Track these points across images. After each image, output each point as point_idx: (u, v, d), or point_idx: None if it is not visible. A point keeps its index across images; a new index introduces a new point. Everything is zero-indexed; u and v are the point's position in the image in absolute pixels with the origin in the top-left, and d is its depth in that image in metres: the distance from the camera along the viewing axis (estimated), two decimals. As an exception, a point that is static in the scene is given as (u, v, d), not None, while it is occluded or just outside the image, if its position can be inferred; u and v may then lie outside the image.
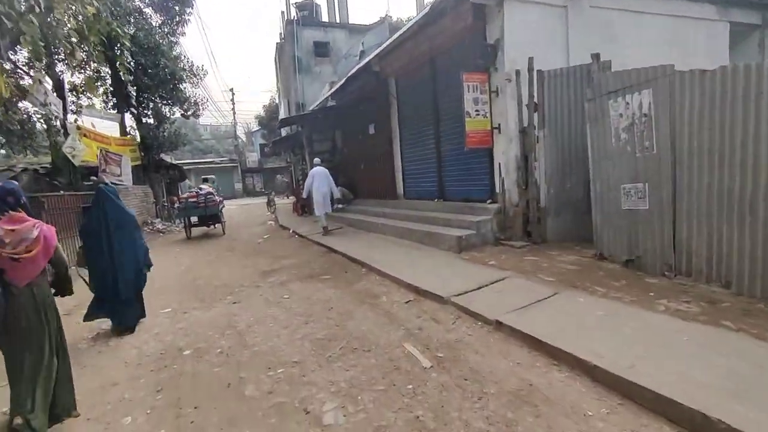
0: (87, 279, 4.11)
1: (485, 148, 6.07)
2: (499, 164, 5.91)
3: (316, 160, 10.38)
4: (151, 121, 17.52)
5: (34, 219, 2.55)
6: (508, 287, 4.07)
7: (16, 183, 2.72)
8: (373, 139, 10.18)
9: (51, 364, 2.56)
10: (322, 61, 13.69)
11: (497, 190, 6.17)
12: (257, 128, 37.94)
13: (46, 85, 8.31)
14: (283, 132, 16.55)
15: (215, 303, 5.16)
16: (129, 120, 17.08)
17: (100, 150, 12.37)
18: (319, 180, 9.09)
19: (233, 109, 35.35)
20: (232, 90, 34.72)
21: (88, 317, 4.17)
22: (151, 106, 17.14)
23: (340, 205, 11.38)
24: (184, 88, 18.55)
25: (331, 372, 3.03)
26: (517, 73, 5.61)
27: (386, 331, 3.68)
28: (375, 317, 4.06)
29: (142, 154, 16.79)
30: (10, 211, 2.46)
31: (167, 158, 20.71)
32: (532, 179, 5.55)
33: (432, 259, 5.63)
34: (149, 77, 15.45)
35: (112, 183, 12.64)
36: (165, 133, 17.73)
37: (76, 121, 11.33)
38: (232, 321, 4.39)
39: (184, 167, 31.91)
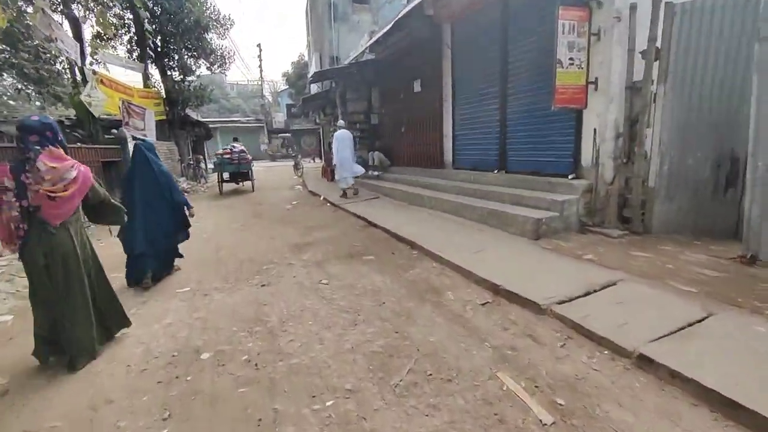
0: (110, 230, 4.08)
1: (574, 108, 4.81)
2: (594, 130, 4.67)
3: (340, 122, 10.14)
4: (176, 74, 16.62)
5: (72, 159, 2.51)
6: (630, 296, 3.00)
7: (51, 118, 2.58)
8: (419, 99, 8.92)
9: (86, 298, 2.69)
10: (361, 8, 12.21)
11: (584, 163, 4.97)
12: (284, 87, 36.58)
13: (52, 17, 7.37)
14: (314, 89, 15.34)
15: (240, 284, 4.32)
16: (153, 72, 16.23)
17: (122, 101, 11.59)
18: (342, 143, 8.98)
19: (260, 66, 34.07)
20: (259, 45, 33.24)
21: (130, 283, 4.27)
22: (176, 58, 16.16)
23: (375, 173, 10.33)
24: (210, 38, 17.46)
25: (404, 416, 2.11)
26: (632, 7, 4.26)
27: (466, 347, 2.72)
28: (445, 324, 3.10)
29: (167, 108, 16.03)
30: (50, 147, 2.40)
31: (193, 115, 19.96)
32: (641, 150, 4.31)
33: (503, 245, 4.58)
34: (173, 24, 14.39)
35: (135, 138, 11.96)
36: (191, 87, 16.83)
37: (92, 65, 10.42)
38: (261, 312, 3.54)
39: (210, 126, 31.36)
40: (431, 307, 3.43)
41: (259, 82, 35.52)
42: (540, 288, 3.23)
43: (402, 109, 9.81)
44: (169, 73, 16.19)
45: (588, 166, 4.86)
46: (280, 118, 36.80)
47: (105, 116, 11.98)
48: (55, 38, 7.26)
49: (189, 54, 16.71)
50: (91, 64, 10.66)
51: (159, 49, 15.88)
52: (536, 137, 5.75)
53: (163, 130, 16.08)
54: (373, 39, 9.47)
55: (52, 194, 2.34)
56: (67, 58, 8.81)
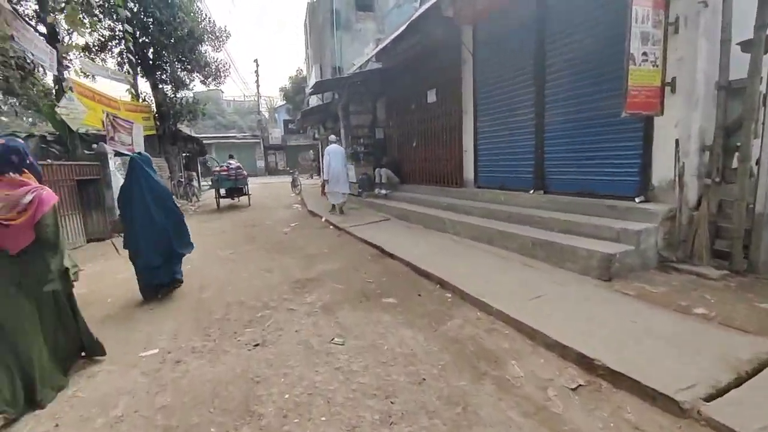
0: (117, 248, 4.35)
1: (645, 115, 3.89)
2: (676, 141, 3.74)
3: (332, 137, 9.95)
4: (169, 87, 15.80)
5: (36, 183, 2.40)
6: (809, 386, 1.99)
7: (22, 141, 2.48)
8: (433, 110, 8.05)
9: (36, 341, 2.43)
10: (365, 16, 11.49)
11: (656, 183, 4.03)
12: (282, 103, 35.97)
13: (10, 11, 6.45)
14: (313, 102, 14.51)
15: (226, 342, 3.28)
16: (143, 85, 15.40)
17: (107, 114, 10.65)
18: (334, 158, 8.97)
19: (257, 81, 33.45)
20: (256, 61, 32.74)
21: (144, 296, 4.29)
22: (168, 71, 15.34)
23: (383, 191, 9.36)
24: (205, 51, 16.71)
25: None
26: (725, -11, 3.40)
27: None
28: (526, 424, 2.07)
29: (158, 123, 15.13)
30: (11, 174, 2.32)
31: (186, 130, 19.06)
32: (743, 167, 3.37)
33: (565, 288, 3.57)
34: (165, 35, 13.60)
35: (120, 153, 10.97)
36: (183, 101, 15.98)
37: (67, 74, 9.46)
38: (252, 396, 2.49)
39: (205, 141, 30.47)
40: (494, 389, 2.40)
41: (256, 98, 34.92)
42: (659, 367, 2.22)
43: (413, 121, 8.92)
44: (161, 86, 15.34)
45: (663, 186, 3.92)
46: (276, 134, 36.06)
47: (92, 131, 11.05)
48: (11, 35, 6.33)
49: (182, 67, 15.91)
50: (72, 73, 9.67)
51: (151, 62, 15.08)
52: (586, 151, 4.83)
53: (152, 145, 15.11)
54: (381, 45, 8.64)
55: (5, 222, 2.22)
56: (39, 65, 7.90)
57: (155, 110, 15.27)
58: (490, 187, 6.60)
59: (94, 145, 9.71)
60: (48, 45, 8.26)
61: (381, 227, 7.36)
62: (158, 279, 4.28)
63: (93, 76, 14.72)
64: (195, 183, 17.42)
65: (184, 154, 20.62)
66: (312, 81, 14.51)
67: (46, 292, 2.47)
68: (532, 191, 5.64)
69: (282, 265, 5.57)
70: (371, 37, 11.15)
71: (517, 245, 4.63)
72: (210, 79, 17.46)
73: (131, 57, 13.76)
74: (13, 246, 2.29)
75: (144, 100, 14.99)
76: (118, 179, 10.14)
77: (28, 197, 2.29)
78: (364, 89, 10.95)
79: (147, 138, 14.70)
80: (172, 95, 15.83)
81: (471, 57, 6.79)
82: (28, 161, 2.42)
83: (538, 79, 5.45)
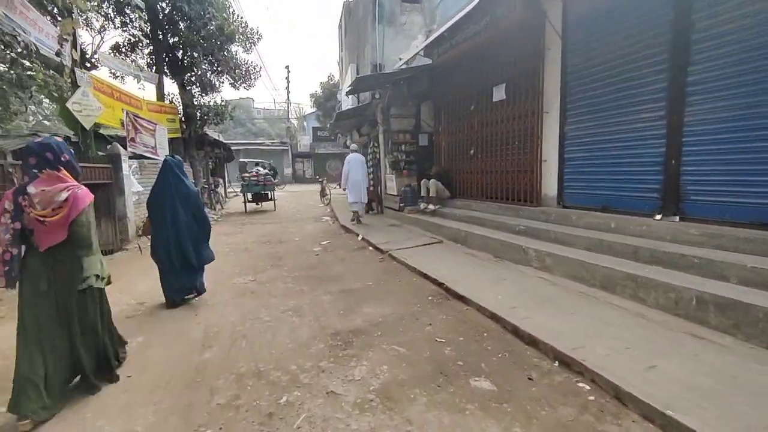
0: (141, 248, 4.43)
1: None
2: None
3: (353, 146, 10.08)
4: (197, 89, 15.05)
5: (73, 180, 2.39)
6: None
7: (58, 139, 2.45)
8: (501, 111, 6.61)
9: (62, 338, 2.41)
10: (411, 9, 10.23)
11: None
12: (312, 110, 35.36)
13: None
14: (345, 105, 13.34)
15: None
16: (170, 86, 14.72)
17: (127, 114, 9.78)
18: (354, 167, 8.99)
19: (287, 88, 32.96)
20: (287, 67, 32.26)
21: (169, 304, 4.18)
22: (197, 73, 14.57)
23: (430, 207, 7.94)
24: (235, 51, 15.95)
25: None
26: None
27: None
28: None
29: (184, 126, 14.35)
30: (48, 170, 2.31)
31: (213, 134, 18.35)
32: None
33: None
34: (194, 30, 12.82)
35: (141, 156, 10.06)
36: (211, 103, 15.19)
37: (86, 67, 8.54)
38: None
39: (234, 147, 30.05)
40: None
41: (286, 106, 34.41)
42: None
43: (471, 125, 7.49)
44: (188, 88, 14.58)
45: None
46: (305, 141, 35.40)
47: (108, 128, 10.22)
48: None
49: (211, 68, 15.15)
50: (86, 65, 8.80)
51: (180, 62, 14.37)
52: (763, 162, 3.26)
53: (177, 149, 14.34)
54: (434, 36, 7.32)
55: (42, 218, 2.24)
56: (34, 48, 6.96)
57: (181, 112, 14.53)
58: (584, 208, 5.06)
59: (109, 147, 8.79)
60: (51, 26, 7.37)
61: (434, 253, 5.93)
62: (181, 284, 4.19)
63: (123, 77, 14.18)
64: (220, 190, 16.54)
65: (210, 160, 19.97)
66: (347, 83, 13.36)
67: (73, 295, 2.41)
68: (658, 216, 4.09)
69: (315, 304, 4.23)
70: (417, 32, 9.87)
71: (667, 300, 3.10)
72: (240, 82, 16.66)
73: (157, 55, 13.05)
74: (44, 242, 2.31)
75: (171, 101, 14.28)
76: (132, 184, 9.18)
77: (64, 195, 2.29)
78: (408, 90, 9.63)
79: (171, 141, 13.94)
80: (199, 97, 15.06)
81: (559, 41, 5.33)
82: (63, 158, 2.40)
83: (675, 62, 3.94)
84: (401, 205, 8.81)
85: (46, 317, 2.35)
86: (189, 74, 14.45)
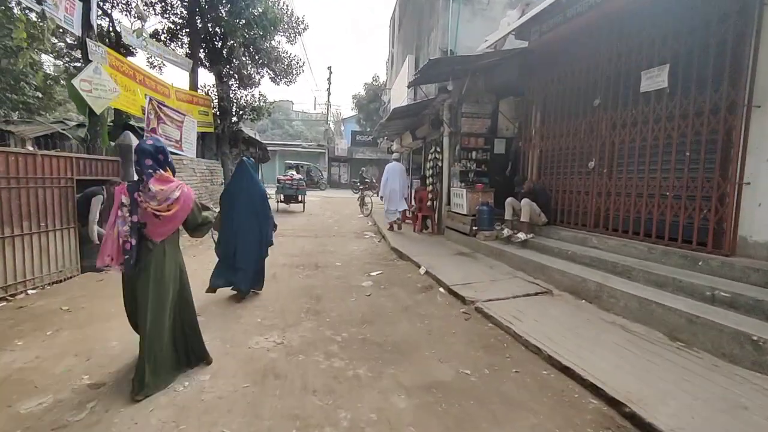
0: (215, 241, 4.38)
1: None
2: None
3: (395, 154, 10.38)
4: (235, 83, 13.72)
5: (176, 180, 2.61)
6: None
7: (161, 140, 2.83)
8: (653, 105, 4.47)
9: (168, 319, 2.69)
10: (496, -16, 8.27)
11: None
12: (352, 113, 33.97)
13: None
14: (395, 104, 11.52)
15: None
16: (206, 77, 13.46)
17: (150, 100, 8.36)
18: (393, 175, 9.03)
19: (329, 89, 31.77)
20: (330, 68, 31.06)
21: (210, 288, 4.29)
22: (235, 64, 13.21)
23: (519, 235, 5.87)
24: (278, 42, 14.59)
25: None
26: None
27: None
28: None
29: (218, 121, 13.01)
30: (161, 171, 2.53)
31: (249, 132, 17.06)
32: None
33: None
34: (234, 14, 11.43)
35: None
36: (248, 97, 13.84)
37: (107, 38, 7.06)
38: None
39: (270, 148, 29.03)
40: None
41: (325, 108, 33.16)
42: None
43: (591, 127, 5.36)
44: (225, 80, 13.23)
45: None
46: (343, 145, 34.01)
47: (137, 125, 8.91)
48: None
49: (251, 59, 13.79)
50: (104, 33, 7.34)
51: (218, 52, 13.09)
52: None
53: (208, 144, 13.02)
54: (541, 6, 5.33)
55: (158, 213, 2.45)
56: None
57: (216, 105, 13.21)
58: None
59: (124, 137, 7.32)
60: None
61: (553, 314, 3.89)
62: (234, 281, 4.31)
63: (160, 66, 13.07)
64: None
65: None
66: (401, 79, 11.53)
67: (175, 283, 2.72)
68: None
69: (384, 419, 2.31)
70: (500, 12, 7.91)
71: None
72: (281, 77, 15.27)
73: (193, 41, 11.76)
74: (158, 235, 2.56)
75: (207, 93, 12.99)
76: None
77: (177, 193, 2.52)
78: (485, 83, 7.67)
79: (203, 136, 12.61)
80: (237, 90, 13.73)
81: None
82: (169, 159, 2.65)
83: None
84: (474, 228, 6.80)
85: (158, 300, 2.59)
86: (227, 66, 13.11)
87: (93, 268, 5.69)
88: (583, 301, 4.17)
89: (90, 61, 6.60)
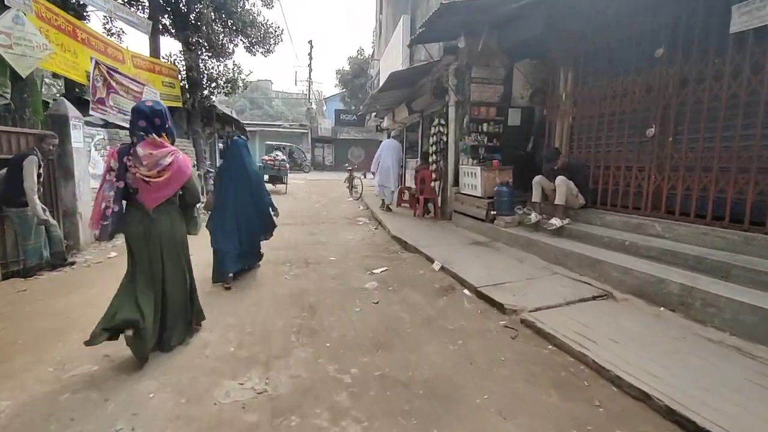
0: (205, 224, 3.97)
1: None
2: None
3: (393, 132, 11.47)
4: (206, 53, 12.11)
5: (172, 146, 2.48)
6: None
7: (164, 105, 2.57)
8: (758, 48, 3.41)
9: (185, 280, 2.71)
10: None
11: None
12: (333, 93, 32.24)
13: None
14: (384, 77, 10.29)
15: None
16: (171, 45, 11.81)
17: (97, 64, 6.91)
18: (387, 153, 8.77)
19: (310, 65, 29.92)
20: (310, 42, 29.15)
21: (215, 279, 4.10)
22: (204, 30, 11.58)
23: (554, 221, 4.85)
24: (253, 4, 12.97)
25: None
26: None
27: None
28: None
29: (188, 95, 11.49)
30: (153, 135, 2.40)
31: (224, 108, 15.47)
32: None
33: None
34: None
35: (115, 125, 7.31)
36: (220, 67, 12.29)
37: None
38: None
39: (249, 129, 27.26)
40: None
41: (307, 85, 31.29)
42: None
43: (650, 84, 4.28)
44: (194, 48, 11.63)
45: None
46: (326, 125, 32.37)
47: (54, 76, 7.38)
48: None
49: (222, 25, 12.19)
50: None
51: (183, 14, 11.46)
52: None
53: (177, 122, 11.50)
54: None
55: (147, 179, 2.33)
56: None
57: (184, 76, 11.66)
58: None
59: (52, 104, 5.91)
60: None
61: (632, 330, 2.92)
62: (228, 266, 4.04)
63: (119, 33, 11.36)
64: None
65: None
66: (396, 46, 10.23)
67: (175, 249, 2.61)
68: None
69: None
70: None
71: None
72: (257, 46, 13.71)
73: (155, 4, 10.14)
74: (151, 202, 2.41)
75: (174, 63, 11.41)
76: (95, 161, 6.34)
77: (168, 159, 2.37)
78: (498, 42, 6.51)
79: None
80: (208, 59, 12.16)
81: None
82: (167, 125, 2.49)
83: None
84: (493, 213, 5.76)
85: (150, 266, 2.53)
86: (196, 33, 11.49)
87: (22, 270, 4.45)
88: (663, 309, 3.20)
89: (7, 8, 5.14)
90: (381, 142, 18.32)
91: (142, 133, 2.38)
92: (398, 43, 9.58)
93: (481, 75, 6.84)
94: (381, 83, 12.75)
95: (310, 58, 29.67)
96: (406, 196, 9.88)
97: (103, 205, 2.35)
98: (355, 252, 5.80)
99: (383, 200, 9.04)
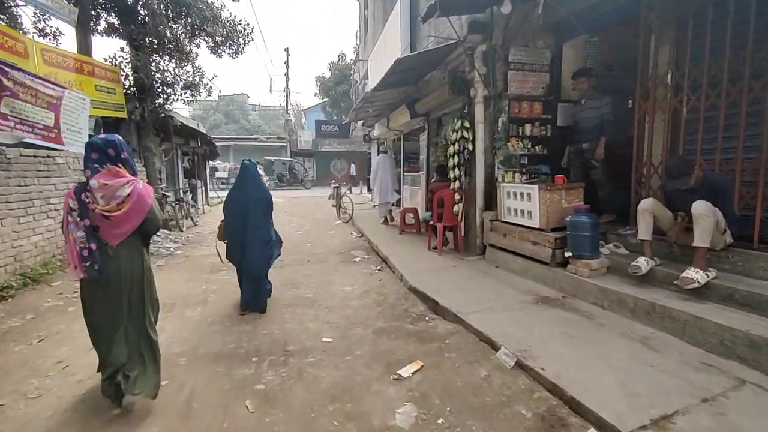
0: (221, 255, 4.09)
1: None
2: None
3: (383, 147, 10.96)
4: (163, 56, 10.01)
5: (131, 176, 2.35)
6: None
7: (118, 136, 2.41)
8: None
9: (127, 332, 2.39)
10: None
11: None
12: (316, 99, 30.32)
13: None
14: (371, 84, 8.43)
15: None
16: (111, 45, 9.69)
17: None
18: (383, 168, 9.01)
19: (287, 74, 27.97)
20: (286, 50, 27.27)
21: (247, 306, 4.03)
22: (161, 31, 9.50)
23: (692, 276, 2.94)
24: (215, -4, 10.96)
25: None
26: None
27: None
28: None
29: (137, 104, 9.33)
30: (109, 165, 2.27)
31: (190, 122, 13.25)
32: None
33: None
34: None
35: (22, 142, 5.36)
36: (175, 70, 10.17)
37: None
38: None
39: (221, 143, 25.00)
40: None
41: (285, 96, 29.24)
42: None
43: None
44: (143, 47, 9.51)
45: None
46: (306, 137, 30.33)
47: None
48: None
49: (174, 19, 10.16)
50: None
51: (130, 9, 9.40)
52: None
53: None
54: None
55: (107, 213, 2.21)
56: None
57: (131, 80, 9.53)
58: None
59: None
60: None
61: None
62: (262, 290, 4.07)
63: (55, 34, 9.20)
64: (191, 198, 11.47)
65: (186, 156, 14.90)
66: (392, 39, 8.37)
67: (136, 284, 2.42)
68: None
69: None
70: None
71: None
72: (224, 47, 11.68)
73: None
74: (113, 238, 2.30)
75: (117, 65, 9.26)
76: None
77: (127, 189, 2.27)
78: (544, 15, 4.67)
79: (116, 123, 8.96)
80: (163, 61, 10.05)
81: None
82: (122, 156, 2.36)
83: None
84: (567, 254, 3.82)
85: (115, 308, 2.37)
86: (146, 36, 9.41)
87: None
88: None
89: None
90: (368, 152, 16.53)
91: (96, 166, 2.26)
92: (395, 31, 7.75)
93: (522, 59, 5.02)
94: (369, 85, 10.92)
95: (287, 67, 27.74)
96: (411, 219, 7.97)
97: (78, 247, 2.23)
98: (361, 322, 3.79)
99: (385, 217, 9.17)
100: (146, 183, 3.03)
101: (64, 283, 5.10)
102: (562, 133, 5.11)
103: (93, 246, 2.24)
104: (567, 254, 3.80)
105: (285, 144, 28.16)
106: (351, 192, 17.11)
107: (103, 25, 9.95)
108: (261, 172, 13.86)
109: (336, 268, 5.95)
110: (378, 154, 11.06)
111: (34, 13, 9.20)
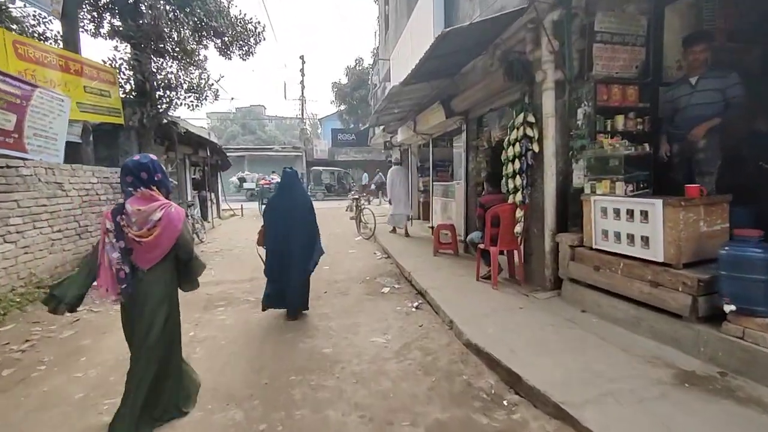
0: (263, 258, 4.06)
1: None
2: None
3: (395, 158, 11.42)
4: (168, 59, 9.10)
5: (164, 199, 2.30)
6: None
7: (152, 157, 2.34)
8: None
9: (151, 357, 2.28)
10: None
11: None
12: (332, 107, 29.44)
13: None
14: (390, 88, 7.24)
15: None
16: (118, 46, 8.81)
17: None
18: (399, 181, 9.16)
19: (302, 82, 27.19)
20: (302, 57, 26.53)
21: (263, 307, 4.05)
22: (159, 27, 8.56)
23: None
24: (224, -8, 10.04)
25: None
26: None
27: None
28: None
29: (136, 109, 8.38)
30: (142, 189, 2.23)
31: (200, 131, 12.33)
32: None
33: None
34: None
35: None
36: (179, 72, 9.22)
37: None
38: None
39: (236, 154, 24.26)
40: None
41: (299, 108, 28.42)
42: None
43: None
44: (144, 47, 8.58)
45: None
46: (323, 146, 29.43)
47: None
48: None
49: (174, 16, 9.24)
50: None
51: (131, 8, 8.52)
52: None
53: (123, 146, 8.39)
54: None
55: (138, 238, 2.17)
56: None
57: (131, 84, 8.62)
58: None
59: None
60: None
61: None
62: (272, 301, 4.03)
63: (56, 37, 8.40)
64: (196, 212, 10.43)
65: (197, 167, 14.01)
66: (425, 21, 7.18)
67: (160, 312, 2.31)
68: None
69: None
70: None
71: None
72: (234, 47, 10.77)
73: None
74: (145, 263, 2.26)
75: (116, 66, 8.36)
76: None
77: (158, 214, 2.21)
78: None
79: (114, 130, 8.03)
80: (165, 62, 9.12)
81: None
82: (156, 177, 2.31)
83: None
84: (728, 308, 2.47)
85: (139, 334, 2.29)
86: (152, 39, 8.51)
87: None
88: None
89: None
90: (388, 160, 15.39)
91: (130, 189, 2.24)
92: (426, 17, 6.57)
93: (610, 27, 3.73)
94: (387, 89, 9.75)
95: (303, 75, 26.96)
96: (446, 237, 6.71)
97: (115, 269, 2.15)
98: (405, 407, 2.52)
99: (395, 227, 9.31)
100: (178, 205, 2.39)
101: (18, 326, 3.99)
102: (679, 123, 3.77)
103: (127, 268, 2.19)
104: (728, 308, 2.44)
105: (300, 153, 27.26)
106: (369, 203, 15.98)
107: (106, 27, 9.21)
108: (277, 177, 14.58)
109: (361, 304, 4.71)
110: (392, 165, 10.20)
111: (33, 15, 8.46)
